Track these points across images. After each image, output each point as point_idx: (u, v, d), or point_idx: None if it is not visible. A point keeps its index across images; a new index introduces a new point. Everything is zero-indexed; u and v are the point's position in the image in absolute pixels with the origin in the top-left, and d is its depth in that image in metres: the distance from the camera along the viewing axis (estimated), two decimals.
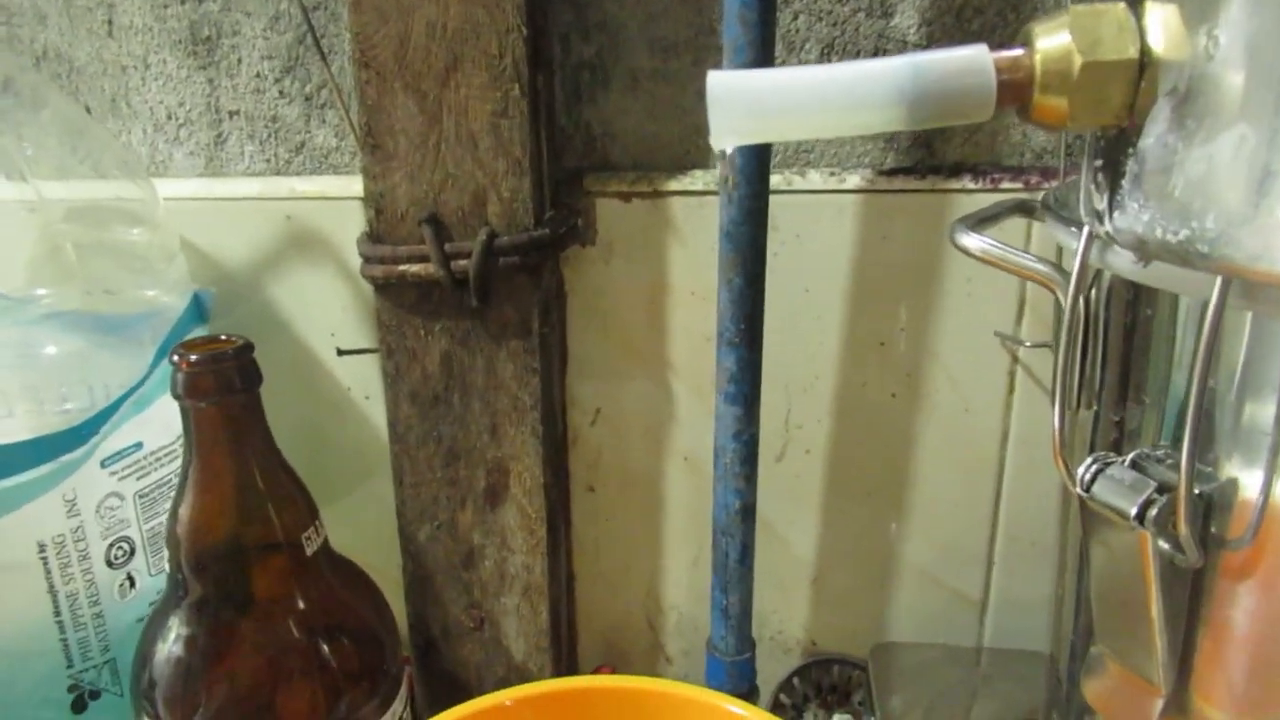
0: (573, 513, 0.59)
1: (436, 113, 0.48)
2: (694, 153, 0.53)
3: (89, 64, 0.56)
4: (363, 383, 0.58)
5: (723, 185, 0.46)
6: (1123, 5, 0.23)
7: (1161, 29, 0.22)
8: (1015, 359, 0.53)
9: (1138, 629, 0.26)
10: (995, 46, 0.23)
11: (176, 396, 0.37)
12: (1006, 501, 0.56)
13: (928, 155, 0.52)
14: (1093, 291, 0.29)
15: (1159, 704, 0.26)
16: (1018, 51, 0.23)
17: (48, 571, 0.42)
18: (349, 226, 0.54)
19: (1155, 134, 0.22)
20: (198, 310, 0.51)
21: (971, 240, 0.30)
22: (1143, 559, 0.24)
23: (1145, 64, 0.22)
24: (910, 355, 0.54)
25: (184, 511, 0.37)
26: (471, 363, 0.52)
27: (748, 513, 0.51)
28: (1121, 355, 0.28)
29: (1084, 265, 0.25)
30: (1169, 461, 0.26)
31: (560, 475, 0.57)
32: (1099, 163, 0.24)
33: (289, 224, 0.56)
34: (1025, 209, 0.37)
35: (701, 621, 0.60)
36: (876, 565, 0.58)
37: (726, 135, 0.21)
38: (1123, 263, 0.25)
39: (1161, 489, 0.24)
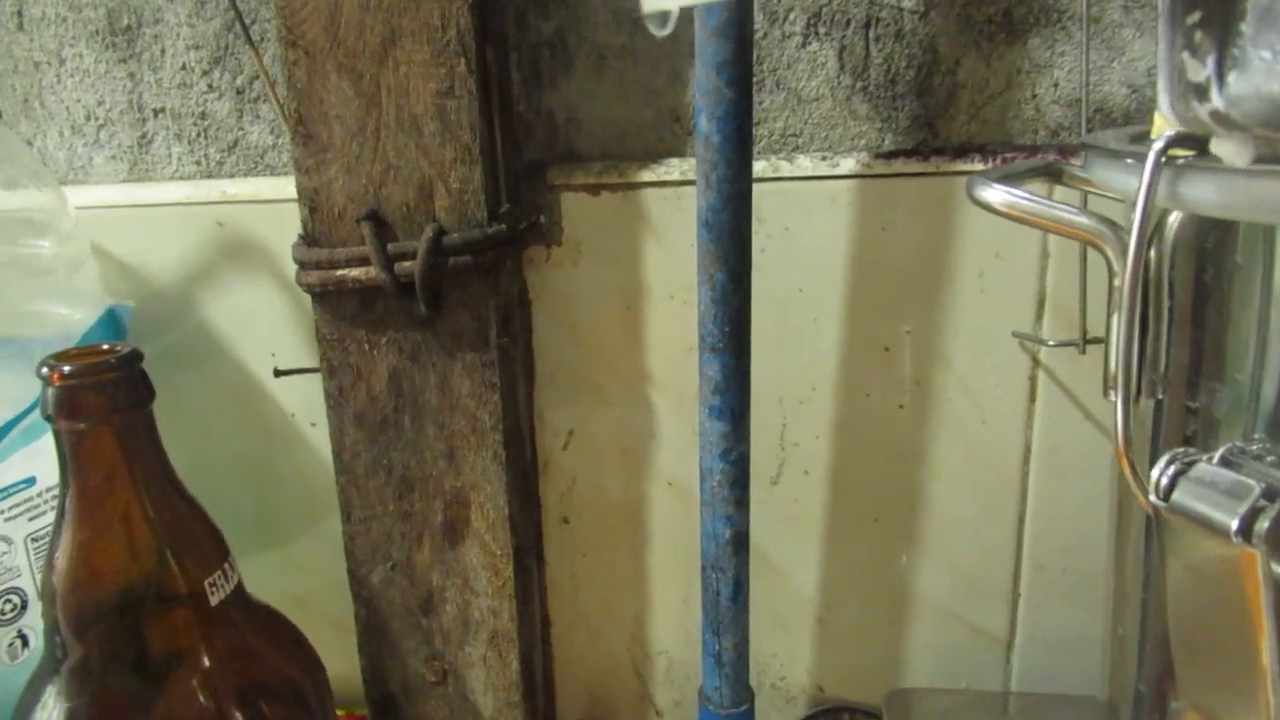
0: (545, 548, 0.53)
1: (374, 95, 0.42)
2: (670, 139, 0.48)
3: None
4: (308, 407, 0.52)
5: (700, 166, 0.40)
6: None
7: None
8: (1037, 361, 0.47)
9: (1238, 678, 0.20)
10: None
11: (48, 418, 0.31)
12: (1032, 524, 0.49)
13: (930, 135, 0.47)
14: (1153, 252, 0.23)
15: None
16: None
17: None
18: (288, 232, 0.48)
19: None
20: (112, 326, 0.46)
21: (994, 193, 0.24)
22: (1246, 585, 0.18)
23: None
24: (918, 361, 0.48)
25: (60, 558, 0.31)
26: (423, 380, 0.46)
27: (740, 543, 0.45)
28: (1195, 324, 0.22)
29: (1151, 192, 0.19)
30: (1272, 458, 0.20)
31: (529, 506, 0.51)
32: (1197, 16, 0.18)
33: (221, 231, 0.50)
34: (1053, 172, 0.31)
35: (694, 668, 0.54)
36: (888, 600, 0.51)
37: None
38: (1205, 194, 0.19)
39: (1270, 493, 0.18)
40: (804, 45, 0.46)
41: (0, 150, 0.47)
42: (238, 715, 0.33)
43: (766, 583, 0.51)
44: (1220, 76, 0.17)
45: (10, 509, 0.38)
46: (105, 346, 0.32)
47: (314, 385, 0.51)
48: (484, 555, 0.48)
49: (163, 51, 0.49)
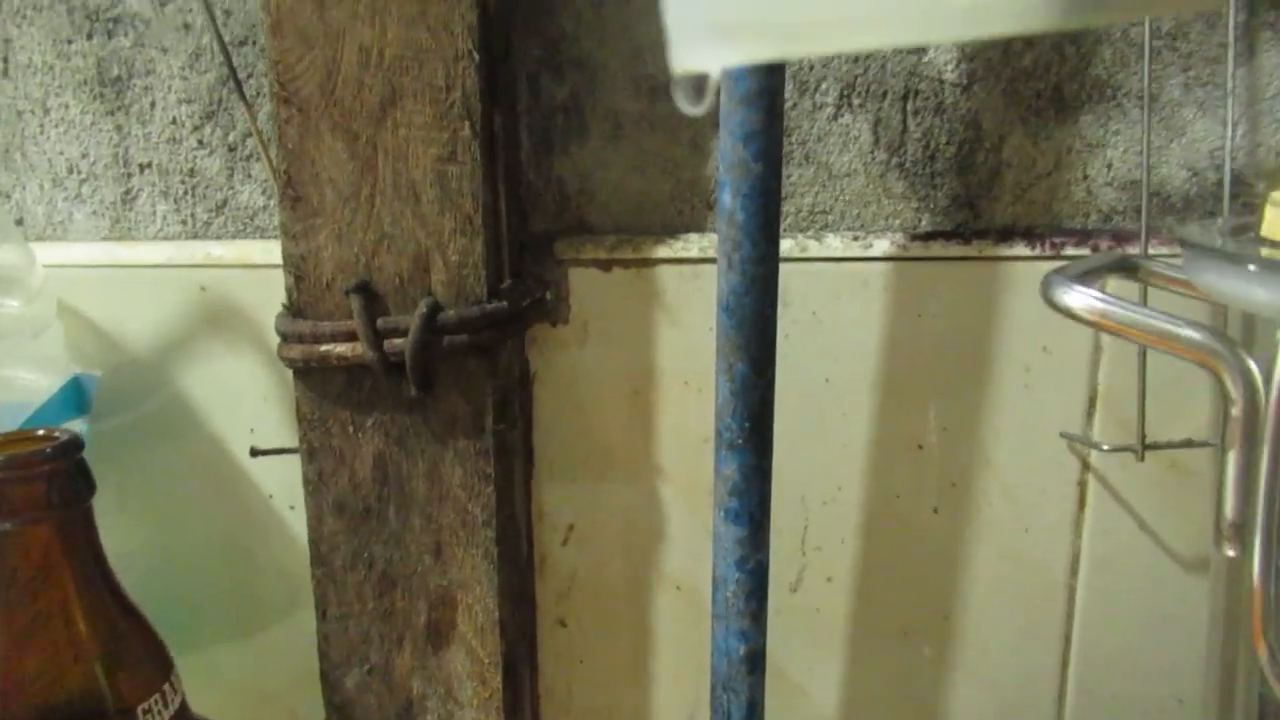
0: (539, 653, 0.48)
1: (370, 158, 0.39)
2: (688, 213, 0.44)
3: None
4: (287, 489, 0.48)
5: (721, 245, 0.37)
6: None
7: None
8: (1087, 465, 0.43)
9: None
10: None
11: None
12: (1079, 644, 0.45)
13: (972, 216, 0.43)
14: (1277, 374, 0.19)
15: None
16: None
17: None
18: (274, 299, 0.45)
19: None
20: (75, 396, 0.42)
21: (1078, 297, 0.20)
22: None
23: None
24: (955, 461, 0.44)
25: None
26: (411, 467, 0.42)
27: (755, 661, 0.40)
28: None
29: None
30: None
31: (523, 607, 0.47)
32: None
33: (203, 296, 0.46)
34: (1129, 267, 0.27)
35: None
36: None
37: (698, 39, 0.11)
38: None
39: None
40: (836, 117, 0.43)
41: None
42: None
43: (783, 702, 0.46)
44: None
45: None
46: (41, 432, 0.28)
47: (295, 466, 0.47)
48: (470, 662, 0.43)
49: (153, 104, 0.46)
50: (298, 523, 0.48)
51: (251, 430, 0.47)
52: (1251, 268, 0.18)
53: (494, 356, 0.41)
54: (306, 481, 0.43)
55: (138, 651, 0.29)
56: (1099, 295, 0.20)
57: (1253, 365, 0.17)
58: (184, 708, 0.30)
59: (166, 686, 0.30)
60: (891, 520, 0.45)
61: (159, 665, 0.30)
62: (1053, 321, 0.41)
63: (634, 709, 0.48)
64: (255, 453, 0.45)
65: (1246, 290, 0.18)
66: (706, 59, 0.11)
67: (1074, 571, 0.44)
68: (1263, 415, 0.17)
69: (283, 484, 0.48)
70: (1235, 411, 0.18)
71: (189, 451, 0.48)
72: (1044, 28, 0.12)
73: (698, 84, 0.12)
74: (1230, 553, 0.18)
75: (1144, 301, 0.36)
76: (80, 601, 0.28)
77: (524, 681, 0.47)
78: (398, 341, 0.39)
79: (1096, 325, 0.21)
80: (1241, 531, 0.18)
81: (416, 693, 0.44)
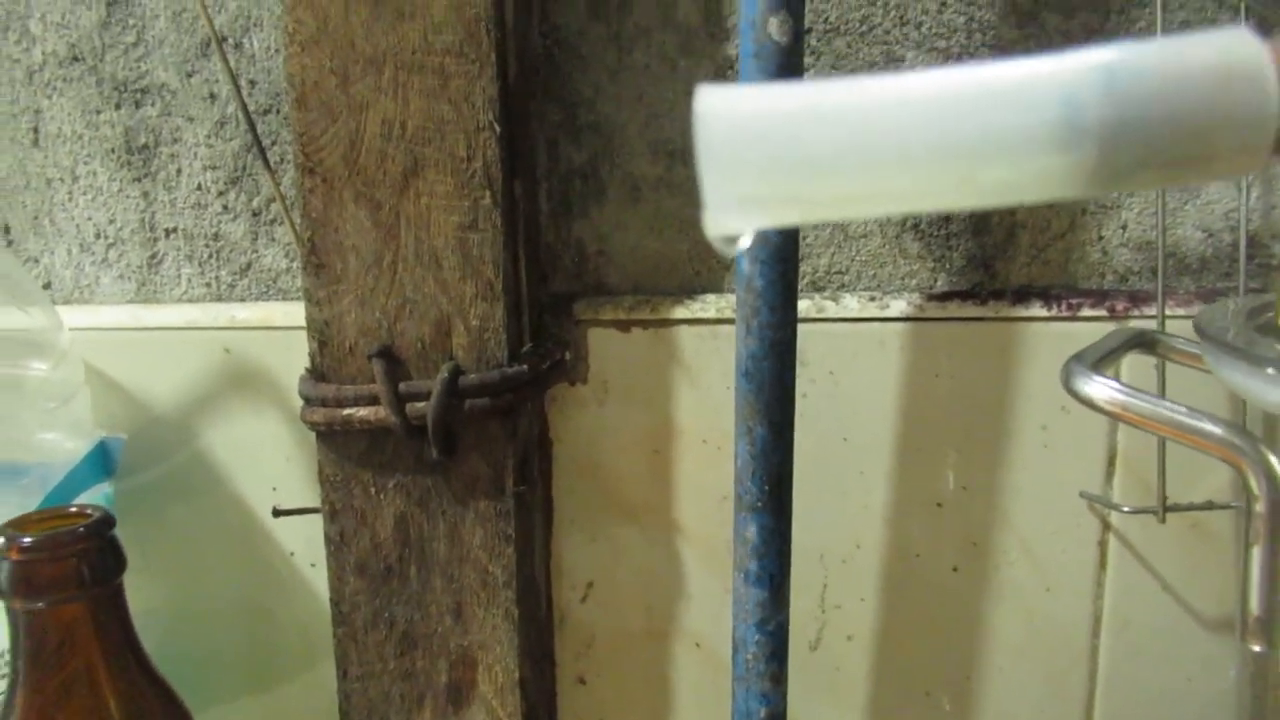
0: (559, 711, 0.48)
1: (393, 226, 0.40)
2: (705, 274, 0.45)
3: (10, 176, 0.49)
4: (309, 548, 0.48)
5: (740, 310, 0.37)
6: None
7: None
8: (1107, 526, 0.43)
9: None
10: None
11: (2, 594, 0.27)
12: (1102, 706, 0.44)
13: (987, 277, 0.43)
14: None
15: None
16: None
17: None
18: (297, 361, 0.45)
19: None
20: (102, 460, 0.43)
21: (1099, 388, 0.21)
22: None
23: None
24: (975, 519, 0.44)
25: None
26: (432, 528, 0.42)
27: None
28: None
29: None
30: None
31: (543, 665, 0.47)
32: None
33: (227, 358, 0.47)
34: (1146, 342, 0.27)
35: None
36: None
37: (729, 206, 0.11)
38: None
39: None
40: None
41: None
42: None
43: None
44: None
45: None
46: (74, 509, 0.29)
47: (316, 525, 0.47)
48: None
49: (179, 171, 0.47)
50: (318, 580, 0.48)
51: (274, 489, 0.48)
52: (1270, 371, 0.18)
53: (514, 418, 0.41)
54: (328, 541, 0.43)
55: (160, 718, 0.29)
56: (1119, 387, 0.20)
57: (1275, 461, 0.18)
58: None
59: None
60: (911, 579, 0.44)
61: None
62: None
63: None
64: (278, 513, 0.45)
65: (1264, 392, 0.18)
66: (738, 224, 0.11)
67: (1096, 632, 0.44)
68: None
69: (304, 542, 0.48)
70: (1259, 508, 0.18)
71: (212, 510, 0.48)
72: (1070, 196, 0.12)
73: (731, 240, 0.12)
74: (1256, 649, 0.18)
75: (1163, 372, 0.36)
76: (106, 672, 0.28)
77: None
78: (419, 405, 0.40)
79: (1117, 417, 0.21)
80: (1267, 627, 0.18)
81: None
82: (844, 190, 0.11)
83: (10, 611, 0.27)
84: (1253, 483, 0.19)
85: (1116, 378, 0.22)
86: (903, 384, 0.43)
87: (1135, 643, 0.44)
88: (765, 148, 0.11)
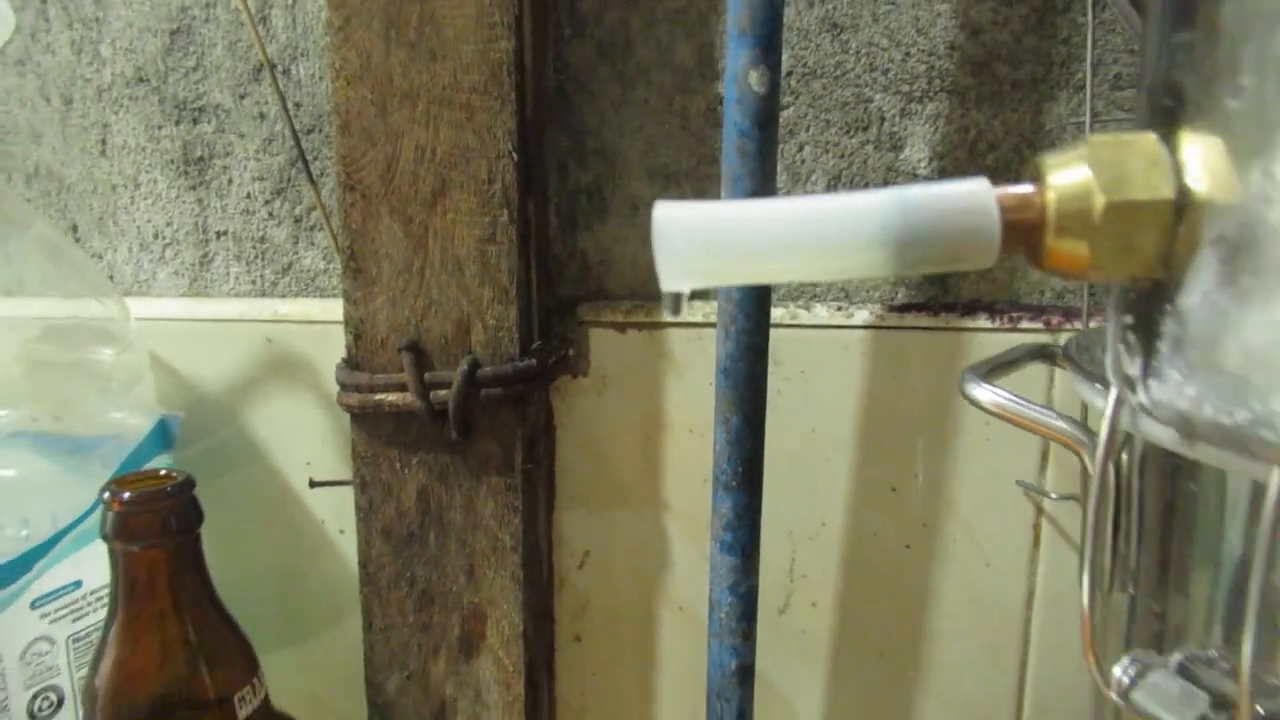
0: (556, 664, 0.54)
1: (422, 237, 0.46)
2: None
3: (80, 182, 0.55)
4: (338, 516, 0.54)
5: (720, 317, 0.43)
6: (1153, 136, 0.20)
7: (1203, 165, 0.19)
8: (1040, 511, 0.49)
9: None
10: (1002, 181, 0.20)
11: (105, 538, 0.33)
12: (1034, 668, 0.50)
13: (941, 292, 0.49)
14: (1124, 456, 0.25)
15: None
16: (1027, 188, 0.20)
17: None
18: (331, 351, 0.51)
19: (1201, 291, 0.18)
20: (162, 436, 0.49)
21: (983, 393, 0.27)
22: None
23: (1183, 206, 0.19)
24: (926, 503, 0.50)
25: (105, 666, 0.33)
26: (449, 499, 0.48)
27: (745, 674, 0.46)
28: (1161, 534, 0.24)
29: (1113, 433, 0.22)
30: (1223, 666, 0.21)
31: (543, 623, 0.53)
32: (1129, 319, 0.21)
33: (269, 347, 0.53)
34: (1046, 354, 0.34)
35: None
36: None
37: (677, 277, 0.18)
38: (1161, 432, 0.21)
39: (1218, 704, 0.20)
40: None
41: (68, 262, 0.51)
42: None
43: (771, 712, 0.52)
44: (1145, 377, 0.20)
45: (56, 611, 0.41)
46: (162, 473, 0.35)
47: (344, 496, 0.53)
48: (497, 670, 0.49)
49: (230, 181, 0.54)
50: (346, 545, 0.55)
51: (308, 464, 0.54)
52: (1097, 386, 0.24)
53: (524, 406, 0.47)
54: (358, 510, 0.49)
55: (232, 650, 0.36)
56: (994, 390, 0.26)
57: (1099, 449, 0.23)
58: (266, 700, 0.37)
59: (255, 680, 0.36)
60: (869, 554, 0.51)
61: (249, 662, 0.36)
62: (1010, 386, 0.47)
63: (640, 715, 0.54)
64: (314, 484, 0.51)
65: (1094, 399, 0.24)
66: (680, 286, 0.18)
67: (1030, 604, 0.50)
68: (1107, 489, 0.23)
69: (334, 512, 0.54)
70: (1093, 491, 0.24)
71: (253, 482, 0.54)
72: (879, 275, 0.18)
73: (677, 297, 0.18)
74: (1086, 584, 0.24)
75: (1051, 378, 0.42)
76: (190, 609, 0.34)
77: (543, 689, 0.53)
78: (442, 393, 0.46)
79: (994, 414, 0.27)
80: (1100, 578, 0.24)
81: (449, 696, 0.50)
82: (751, 268, 0.18)
83: (111, 553, 0.33)
84: (1088, 466, 0.24)
85: (1005, 382, 0.28)
86: (865, 384, 0.49)
87: (1064, 615, 0.50)
88: (699, 240, 0.17)
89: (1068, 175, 0.20)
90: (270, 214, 0.54)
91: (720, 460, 0.44)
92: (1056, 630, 0.50)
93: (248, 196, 0.54)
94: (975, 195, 0.19)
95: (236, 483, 0.55)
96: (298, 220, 0.53)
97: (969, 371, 0.28)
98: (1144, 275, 0.20)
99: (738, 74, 0.41)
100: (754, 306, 0.43)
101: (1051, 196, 0.20)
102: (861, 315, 0.49)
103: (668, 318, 0.16)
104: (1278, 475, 0.17)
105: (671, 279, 0.18)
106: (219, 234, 0.54)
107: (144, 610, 0.33)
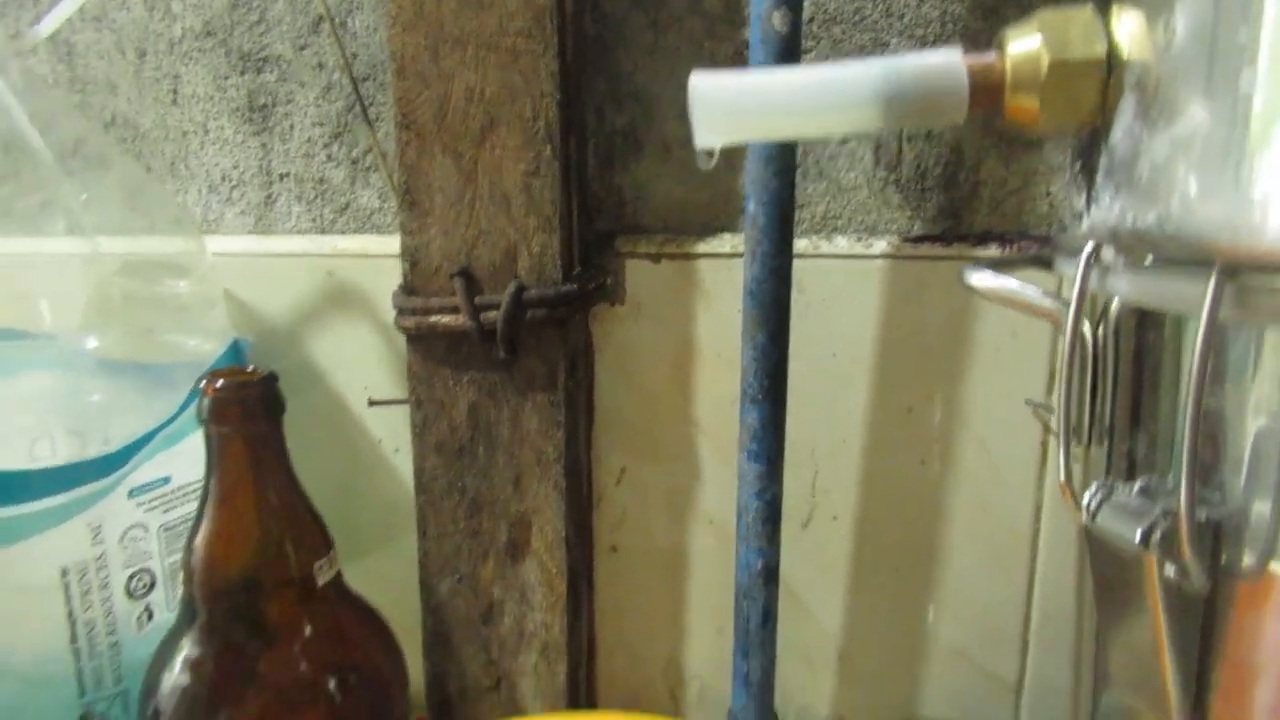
0: (595, 574, 0.59)
1: (472, 172, 0.50)
2: (723, 218, 0.54)
3: (153, 129, 0.60)
4: (392, 436, 0.59)
5: (747, 243, 0.47)
6: (1090, 7, 0.24)
7: (1127, 29, 0.23)
8: (1048, 429, 0.52)
9: (1148, 666, 0.25)
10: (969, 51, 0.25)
11: (202, 422, 0.38)
12: (1042, 579, 0.54)
13: (955, 224, 0.53)
14: (1100, 327, 0.29)
15: None
16: (990, 56, 0.25)
17: (68, 598, 0.43)
18: (386, 283, 0.56)
19: (1123, 126, 0.23)
20: (235, 356, 0.53)
21: (979, 277, 0.30)
22: (1149, 587, 0.24)
23: (1113, 64, 0.23)
24: (941, 423, 0.53)
25: (200, 535, 0.38)
26: (498, 415, 0.52)
27: (770, 575, 0.50)
28: (1130, 386, 0.27)
29: (1084, 283, 0.25)
30: (1178, 490, 0.25)
31: (584, 534, 0.57)
32: (1078, 165, 0.25)
33: (330, 280, 0.58)
34: (1042, 262, 0.37)
35: (725, 693, 0.58)
36: (906, 641, 0.56)
37: (709, 134, 0.22)
38: (1123, 286, 0.24)
39: (1168, 513, 0.24)
40: (844, 142, 0.53)
41: (148, 199, 0.56)
42: (330, 682, 0.39)
43: (794, 619, 0.56)
44: (1088, 206, 0.24)
45: (150, 502, 0.45)
46: (250, 368, 0.39)
47: (398, 416, 0.58)
48: (541, 573, 0.54)
49: (292, 126, 0.58)
50: (401, 463, 0.59)
51: (365, 388, 0.58)
52: (1070, 271, 0.28)
53: (566, 328, 0.51)
54: (413, 425, 0.54)
55: (311, 525, 0.40)
56: (987, 274, 0.30)
57: (1071, 320, 0.27)
58: (340, 574, 0.41)
59: (330, 555, 0.40)
60: (887, 470, 0.54)
61: (324, 539, 0.40)
62: (1019, 311, 0.51)
63: (672, 618, 0.58)
64: (372, 403, 0.56)
65: (1071, 273, 0.28)
66: (713, 141, 0.22)
67: (1038, 517, 0.53)
68: (1078, 342, 0.27)
69: (389, 432, 0.59)
70: (1066, 346, 0.28)
71: (314, 405, 0.59)
72: (871, 131, 0.22)
73: (709, 152, 0.22)
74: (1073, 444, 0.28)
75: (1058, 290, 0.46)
76: (274, 487, 0.39)
77: (583, 594, 0.57)
78: (491, 314, 0.50)
79: (987, 296, 0.30)
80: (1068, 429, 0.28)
81: (497, 597, 0.54)
82: (767, 125, 0.22)
83: (207, 436, 0.38)
84: (1066, 330, 0.28)
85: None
86: (883, 311, 0.53)
87: (1069, 526, 0.53)
88: (725, 101, 0.21)
89: (1022, 43, 0.24)
90: (329, 157, 0.58)
91: (747, 375, 0.48)
92: (1063, 542, 0.53)
93: (308, 141, 0.58)
94: (949, 63, 0.23)
95: (299, 406, 0.58)
96: (354, 163, 0.58)
97: (970, 265, 0.32)
98: (1085, 123, 0.24)
99: (762, 15, 0.44)
100: (778, 233, 0.47)
101: (1009, 62, 0.24)
102: (880, 246, 0.52)
103: (701, 167, 0.20)
104: (1212, 283, 0.21)
105: (704, 136, 0.21)
106: (281, 176, 0.59)
107: (235, 485, 0.38)
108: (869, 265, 0.53)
